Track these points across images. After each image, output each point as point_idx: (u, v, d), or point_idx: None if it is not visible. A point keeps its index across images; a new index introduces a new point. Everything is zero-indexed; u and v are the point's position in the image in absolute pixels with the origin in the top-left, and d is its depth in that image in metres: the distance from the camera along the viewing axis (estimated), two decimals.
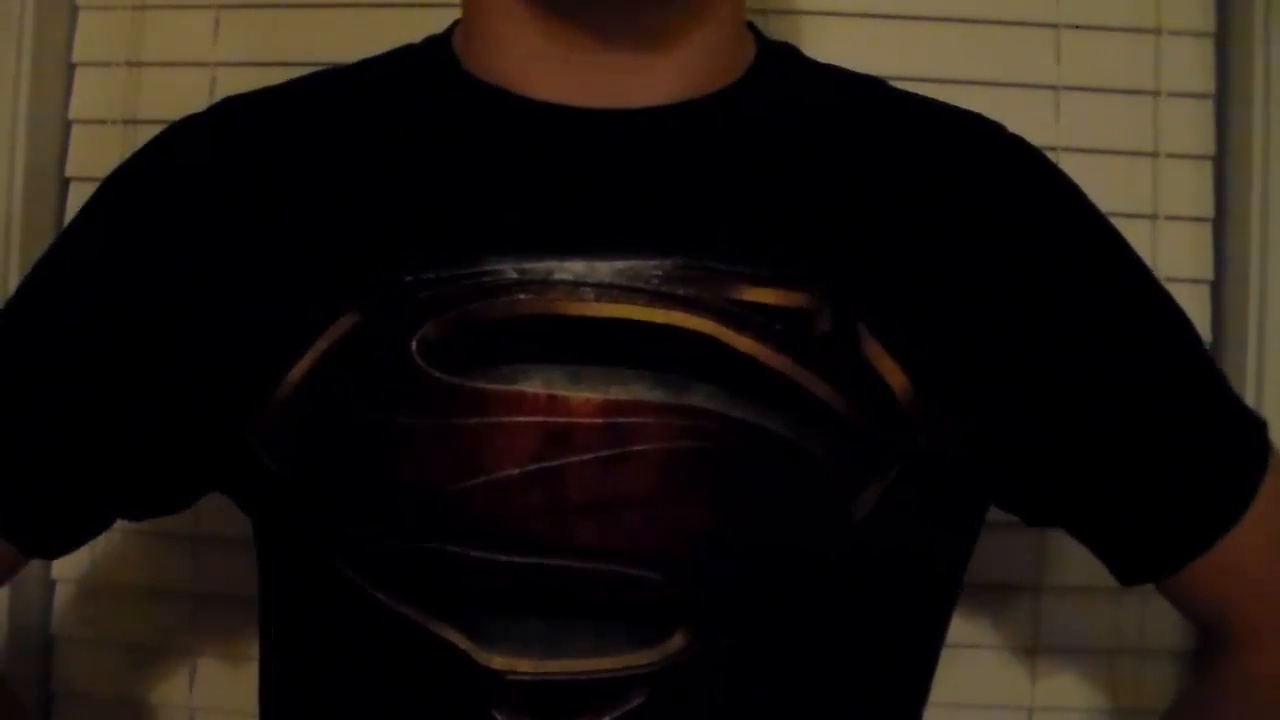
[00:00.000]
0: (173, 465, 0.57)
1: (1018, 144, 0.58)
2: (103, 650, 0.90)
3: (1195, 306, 0.88)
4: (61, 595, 0.91)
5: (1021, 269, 0.54)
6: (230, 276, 0.53)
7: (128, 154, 0.88)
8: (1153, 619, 0.88)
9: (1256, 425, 0.58)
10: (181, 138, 0.58)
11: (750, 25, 0.59)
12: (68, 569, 0.89)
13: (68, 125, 0.92)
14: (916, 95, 0.59)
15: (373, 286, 0.50)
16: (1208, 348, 0.87)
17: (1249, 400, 0.84)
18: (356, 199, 0.52)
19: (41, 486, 0.56)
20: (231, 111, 0.58)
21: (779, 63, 0.58)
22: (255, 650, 0.60)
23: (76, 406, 0.55)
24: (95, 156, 0.90)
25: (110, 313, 0.54)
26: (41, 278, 0.57)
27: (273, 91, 0.59)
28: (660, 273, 0.49)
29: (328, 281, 0.51)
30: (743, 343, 0.49)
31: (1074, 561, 0.65)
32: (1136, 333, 0.56)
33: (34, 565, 0.92)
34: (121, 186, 0.58)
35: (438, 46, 0.58)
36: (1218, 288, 0.88)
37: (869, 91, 0.59)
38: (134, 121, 0.90)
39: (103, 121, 0.90)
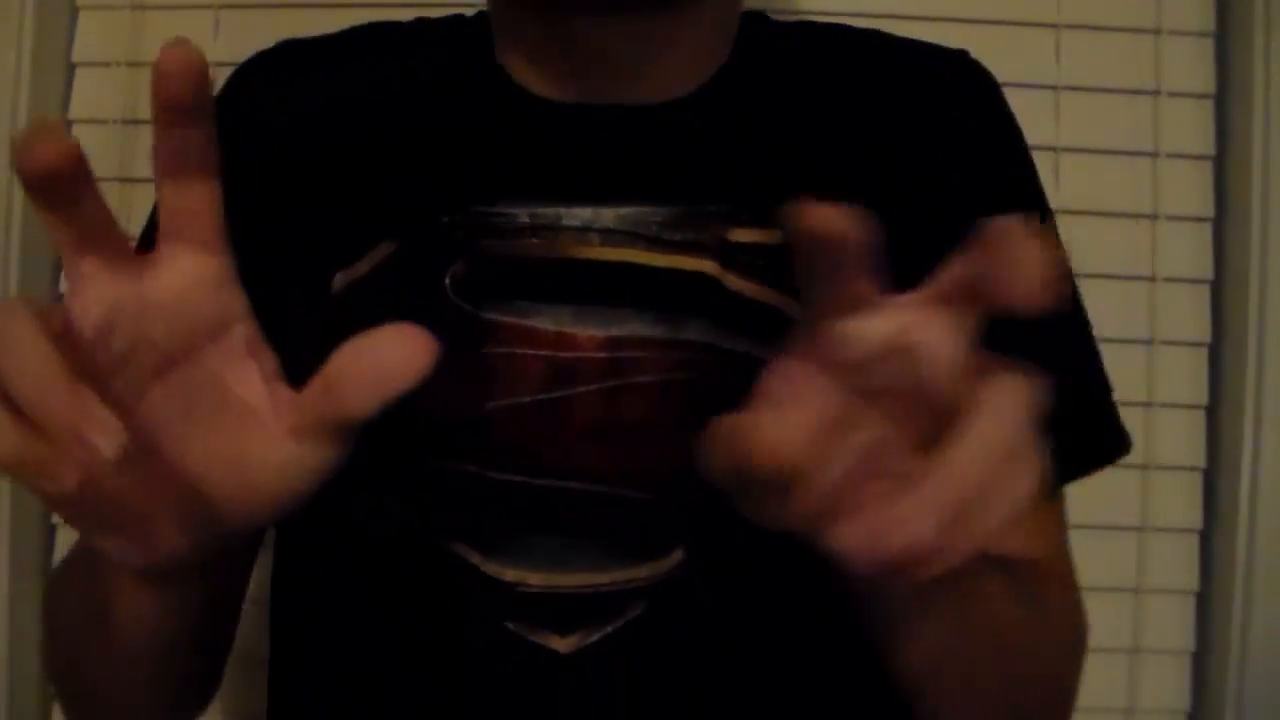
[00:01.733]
0: None
1: (969, 67, 0.61)
2: None
3: (1195, 306, 0.88)
4: (62, 537, 0.91)
5: (979, 207, 0.55)
6: (289, 202, 0.56)
7: (128, 154, 0.89)
8: (1153, 619, 0.88)
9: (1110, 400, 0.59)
10: (254, 75, 0.62)
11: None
12: None
13: (68, 125, 0.92)
14: (879, 34, 0.62)
15: (408, 222, 0.54)
16: (1208, 348, 0.88)
17: (1249, 400, 0.85)
18: (397, 147, 0.57)
19: None
20: (296, 52, 0.63)
21: (753, 35, 0.60)
22: (265, 651, 0.60)
23: None
24: (95, 156, 0.89)
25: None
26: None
27: (337, 39, 0.63)
28: (659, 219, 0.53)
29: (371, 214, 0.55)
30: (732, 280, 0.52)
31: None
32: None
33: (33, 564, 0.93)
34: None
35: (480, 26, 0.61)
36: (1218, 288, 0.88)
37: (833, 40, 0.62)
38: (134, 121, 0.90)
39: (103, 121, 0.90)
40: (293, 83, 0.61)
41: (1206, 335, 0.88)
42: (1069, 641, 0.57)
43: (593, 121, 0.55)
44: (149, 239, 0.60)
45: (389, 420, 0.51)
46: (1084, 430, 0.58)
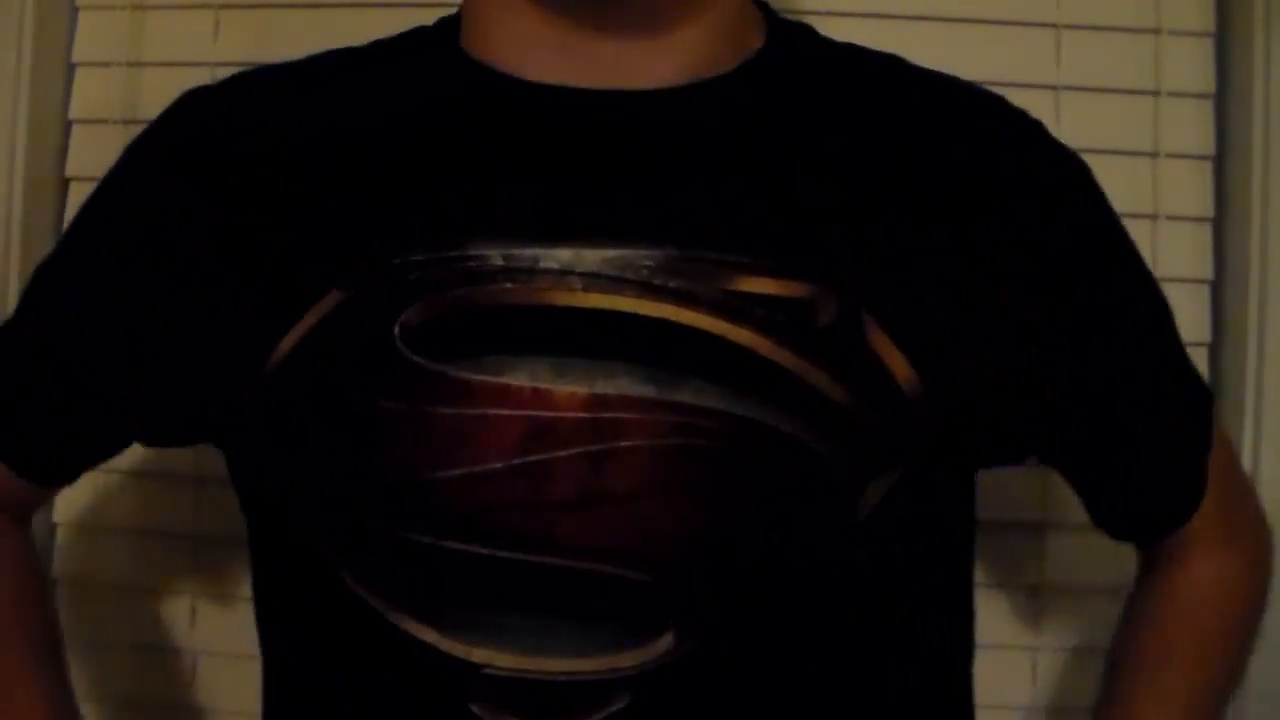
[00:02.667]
0: (177, 415, 0.57)
1: (1035, 130, 0.57)
2: (102, 593, 0.90)
3: (1195, 306, 0.88)
4: (62, 538, 0.90)
5: (1028, 258, 0.53)
6: (232, 249, 0.52)
7: None
8: None
9: (1207, 398, 0.64)
10: (190, 111, 0.58)
11: (763, 5, 0.57)
12: (68, 512, 0.89)
13: (68, 125, 0.92)
14: (936, 74, 0.57)
15: (358, 266, 0.49)
16: (1208, 348, 0.88)
17: (1249, 399, 0.85)
18: (351, 179, 0.52)
19: (49, 424, 0.59)
20: (240, 87, 0.58)
21: (790, 44, 0.56)
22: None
23: (92, 363, 0.57)
24: (95, 156, 0.90)
25: (126, 276, 0.55)
26: (69, 241, 0.60)
27: (282, 69, 0.58)
28: (651, 263, 0.47)
29: (317, 259, 0.50)
30: (741, 335, 0.47)
31: (1077, 500, 0.66)
32: (1130, 330, 0.58)
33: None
34: (138, 156, 0.59)
35: (445, 28, 0.57)
36: (1218, 288, 0.88)
37: (884, 72, 0.56)
38: (134, 121, 0.89)
39: (103, 121, 0.90)
40: (240, 120, 0.55)
41: (1206, 335, 0.87)
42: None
43: (584, 113, 0.51)
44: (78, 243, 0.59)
45: (342, 483, 0.48)
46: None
